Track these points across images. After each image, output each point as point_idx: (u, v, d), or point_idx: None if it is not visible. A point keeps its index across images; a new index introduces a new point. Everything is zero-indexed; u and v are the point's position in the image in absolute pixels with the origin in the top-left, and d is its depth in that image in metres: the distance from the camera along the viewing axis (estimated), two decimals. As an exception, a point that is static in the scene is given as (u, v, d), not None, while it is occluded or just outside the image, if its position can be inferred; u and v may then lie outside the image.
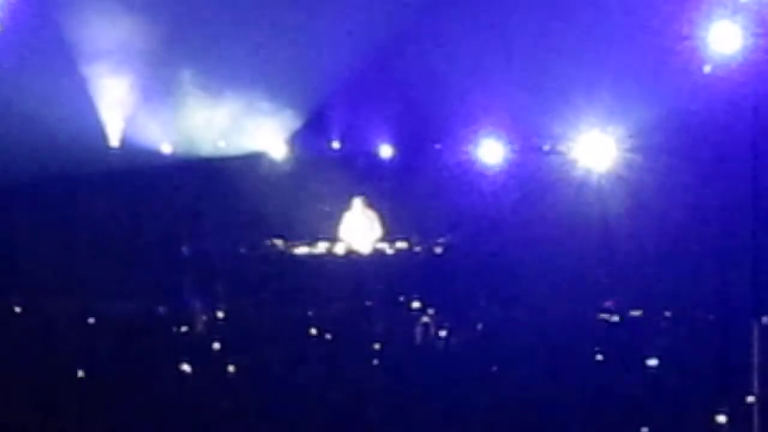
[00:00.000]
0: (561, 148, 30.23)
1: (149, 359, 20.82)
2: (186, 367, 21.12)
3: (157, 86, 30.09)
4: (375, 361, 21.38)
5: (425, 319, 24.59)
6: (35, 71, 29.24)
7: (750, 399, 15.21)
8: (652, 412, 17.43)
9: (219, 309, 25.74)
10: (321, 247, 30.14)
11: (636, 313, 24.33)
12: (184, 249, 29.66)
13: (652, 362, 20.87)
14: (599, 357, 21.39)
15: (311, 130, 31.41)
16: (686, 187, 26.40)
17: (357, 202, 29.61)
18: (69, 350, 20.83)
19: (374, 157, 31.90)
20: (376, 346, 21.93)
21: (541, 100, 29.11)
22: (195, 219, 30.61)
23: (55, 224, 28.58)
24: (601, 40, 27.95)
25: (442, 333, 23.67)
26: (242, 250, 30.07)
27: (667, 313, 23.80)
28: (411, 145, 31.65)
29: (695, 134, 27.58)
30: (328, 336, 23.15)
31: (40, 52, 29.51)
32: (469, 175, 30.33)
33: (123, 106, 30.53)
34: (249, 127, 31.30)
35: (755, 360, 14.75)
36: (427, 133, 31.12)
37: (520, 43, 28.64)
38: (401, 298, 26.56)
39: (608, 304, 25.33)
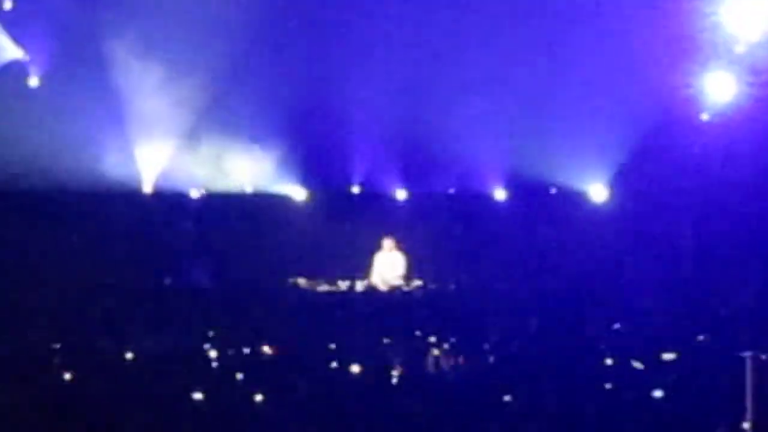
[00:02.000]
0: (565, 190, 30.77)
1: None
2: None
3: (187, 133, 30.45)
4: (393, 381, 22.00)
5: (436, 351, 25.30)
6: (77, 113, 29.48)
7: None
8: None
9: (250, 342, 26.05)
10: (353, 283, 30.61)
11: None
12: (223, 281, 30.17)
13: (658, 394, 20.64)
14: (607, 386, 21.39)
15: (333, 175, 31.71)
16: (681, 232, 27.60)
17: (387, 242, 30.45)
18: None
19: (391, 200, 32.25)
20: (391, 376, 22.50)
21: (549, 146, 29.96)
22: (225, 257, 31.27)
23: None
24: (600, 87, 28.46)
25: (452, 363, 24.42)
26: (274, 286, 30.25)
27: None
28: (424, 190, 31.92)
29: (691, 178, 28.20)
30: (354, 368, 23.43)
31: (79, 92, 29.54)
32: (477, 217, 31.32)
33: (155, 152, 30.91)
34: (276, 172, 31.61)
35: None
36: (439, 178, 31.39)
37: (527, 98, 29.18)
38: (417, 332, 27.06)
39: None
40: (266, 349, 25.52)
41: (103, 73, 29.20)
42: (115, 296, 27.99)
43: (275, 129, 30.64)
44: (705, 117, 27.97)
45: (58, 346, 24.86)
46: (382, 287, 30.54)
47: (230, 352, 25.47)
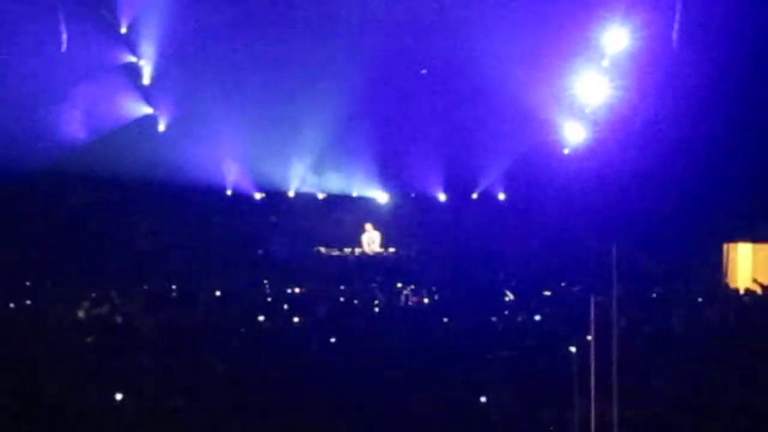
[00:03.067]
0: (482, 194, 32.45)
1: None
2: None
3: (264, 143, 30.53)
4: (376, 310, 23.94)
5: (406, 292, 26.89)
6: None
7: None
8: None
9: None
10: (348, 250, 32.04)
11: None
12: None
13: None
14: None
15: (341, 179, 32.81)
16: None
17: (368, 225, 31.98)
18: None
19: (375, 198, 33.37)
20: (375, 306, 24.46)
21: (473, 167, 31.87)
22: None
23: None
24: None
25: (415, 299, 26.06)
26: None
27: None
28: (405, 194, 33.29)
29: (556, 187, 29.81)
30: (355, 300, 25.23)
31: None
32: (426, 210, 32.73)
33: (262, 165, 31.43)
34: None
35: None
36: (402, 187, 32.99)
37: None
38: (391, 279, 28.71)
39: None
40: (297, 289, 26.76)
41: (214, 120, 29.91)
42: (229, 260, 29.35)
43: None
44: (566, 151, 30.02)
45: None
46: (368, 252, 31.86)
47: (279, 290, 26.65)
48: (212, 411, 13.13)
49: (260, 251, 31.09)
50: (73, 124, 29.12)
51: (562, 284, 23.98)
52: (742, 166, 23.88)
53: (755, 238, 28.39)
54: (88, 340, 18.48)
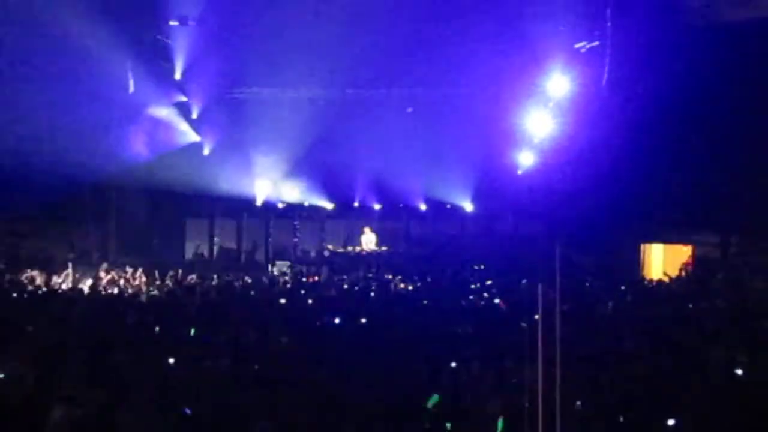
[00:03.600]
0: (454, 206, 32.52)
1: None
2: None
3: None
4: (372, 294, 23.46)
5: (394, 280, 26.51)
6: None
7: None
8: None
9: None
10: (351, 248, 32.53)
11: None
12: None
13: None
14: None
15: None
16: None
17: (366, 229, 32.44)
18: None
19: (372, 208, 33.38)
20: (372, 291, 23.93)
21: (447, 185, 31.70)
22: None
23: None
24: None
25: (402, 286, 25.78)
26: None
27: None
28: (395, 205, 33.11)
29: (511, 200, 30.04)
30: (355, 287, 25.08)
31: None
32: (412, 217, 33.02)
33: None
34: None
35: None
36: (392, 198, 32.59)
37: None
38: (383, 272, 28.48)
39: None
40: (311, 278, 26.60)
41: (246, 146, 30.08)
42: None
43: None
44: (519, 172, 29.80)
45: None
46: (366, 250, 32.07)
47: (296, 279, 26.75)
48: (249, 364, 13.40)
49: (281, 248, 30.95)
50: (138, 146, 29.03)
51: (516, 276, 23.79)
52: (656, 185, 23.98)
53: (665, 240, 29.02)
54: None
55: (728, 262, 24.51)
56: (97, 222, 28.88)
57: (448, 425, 10.33)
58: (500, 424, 10.02)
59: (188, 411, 10.04)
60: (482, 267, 28.41)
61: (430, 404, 9.91)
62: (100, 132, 26.99)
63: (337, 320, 18.96)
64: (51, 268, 25.10)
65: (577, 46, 26.11)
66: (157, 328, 16.81)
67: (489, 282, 24.46)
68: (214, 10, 25.42)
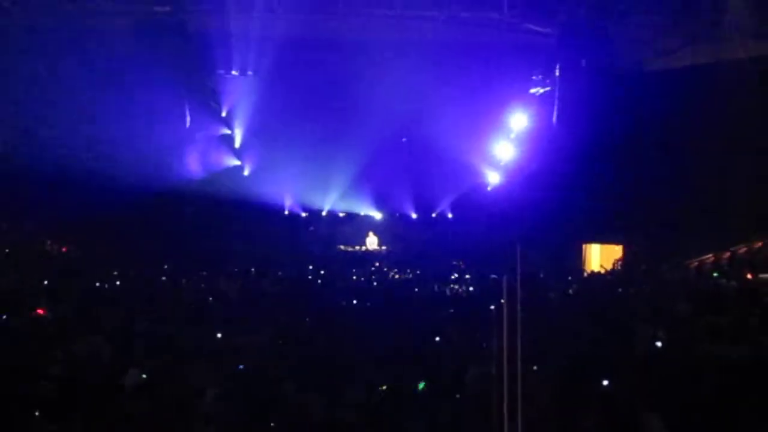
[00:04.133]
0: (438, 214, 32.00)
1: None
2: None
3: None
4: (374, 283, 23.61)
5: (391, 273, 26.87)
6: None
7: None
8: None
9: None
10: (358, 247, 32.08)
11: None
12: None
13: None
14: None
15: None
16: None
17: (370, 232, 32.08)
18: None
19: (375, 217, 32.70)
20: (374, 281, 24.05)
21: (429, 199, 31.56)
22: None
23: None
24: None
25: (398, 277, 25.98)
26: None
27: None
28: (392, 215, 32.61)
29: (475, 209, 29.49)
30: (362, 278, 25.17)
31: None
32: (404, 224, 32.20)
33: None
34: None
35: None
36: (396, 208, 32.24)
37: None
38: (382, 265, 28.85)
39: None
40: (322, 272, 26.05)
41: (277, 168, 29.76)
42: (285, 254, 28.35)
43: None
44: (489, 188, 29.92)
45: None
46: (370, 249, 31.82)
47: (315, 272, 26.19)
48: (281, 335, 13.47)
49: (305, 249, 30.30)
50: (192, 167, 29.12)
51: (486, 269, 23.66)
52: (594, 198, 24.04)
53: (602, 241, 28.94)
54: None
55: (648, 257, 24.44)
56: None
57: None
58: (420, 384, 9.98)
59: (241, 367, 10.30)
60: (460, 263, 28.21)
61: (419, 387, 9.75)
62: (166, 154, 27.22)
63: (347, 302, 19.03)
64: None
65: (532, 91, 26.62)
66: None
67: (466, 275, 24.56)
68: (252, 65, 25.63)
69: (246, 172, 30.61)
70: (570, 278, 23.62)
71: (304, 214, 31.66)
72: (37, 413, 7.80)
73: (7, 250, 23.35)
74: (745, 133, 21.34)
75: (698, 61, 24.05)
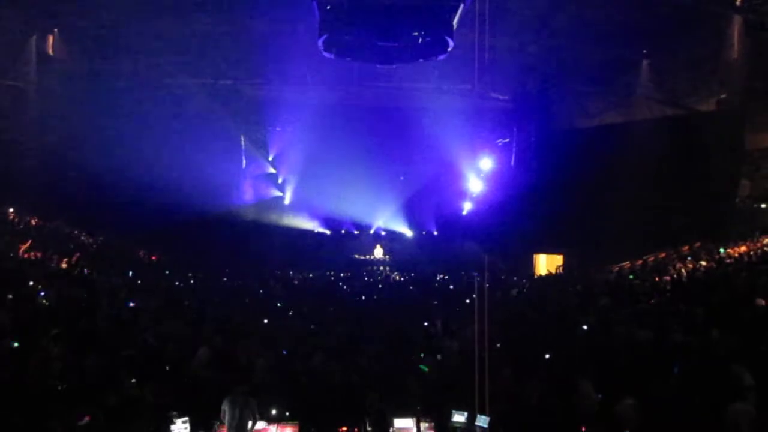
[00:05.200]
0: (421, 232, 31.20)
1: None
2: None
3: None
4: (380, 284, 22.94)
5: (387, 271, 27.04)
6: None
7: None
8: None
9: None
10: (368, 256, 31.44)
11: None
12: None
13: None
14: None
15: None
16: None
17: (378, 245, 31.48)
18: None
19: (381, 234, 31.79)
20: (380, 282, 23.34)
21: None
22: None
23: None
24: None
25: (398, 278, 25.53)
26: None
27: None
28: (393, 232, 31.44)
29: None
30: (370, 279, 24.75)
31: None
32: (397, 239, 31.39)
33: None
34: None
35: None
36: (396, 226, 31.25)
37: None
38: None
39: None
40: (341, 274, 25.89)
41: (312, 199, 29.24)
42: (314, 262, 27.49)
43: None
44: (464, 212, 28.68)
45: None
46: (377, 258, 31.10)
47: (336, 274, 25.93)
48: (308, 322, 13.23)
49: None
50: (246, 196, 29.03)
51: (463, 272, 23.39)
52: (542, 220, 23.60)
53: (547, 252, 28.64)
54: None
55: (581, 264, 24.32)
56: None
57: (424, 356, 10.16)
58: (424, 367, 9.69)
59: (285, 352, 10.07)
60: (445, 272, 27.65)
61: (424, 369, 9.58)
62: (227, 186, 27.33)
63: (360, 296, 19.07)
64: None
65: (497, 141, 26.61)
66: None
67: (447, 276, 24.05)
68: (291, 122, 25.94)
69: (286, 201, 30.37)
70: (524, 280, 23.38)
71: (328, 232, 31.17)
72: (133, 379, 7.76)
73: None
74: (651, 173, 21.30)
75: (616, 121, 24.45)
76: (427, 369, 9.47)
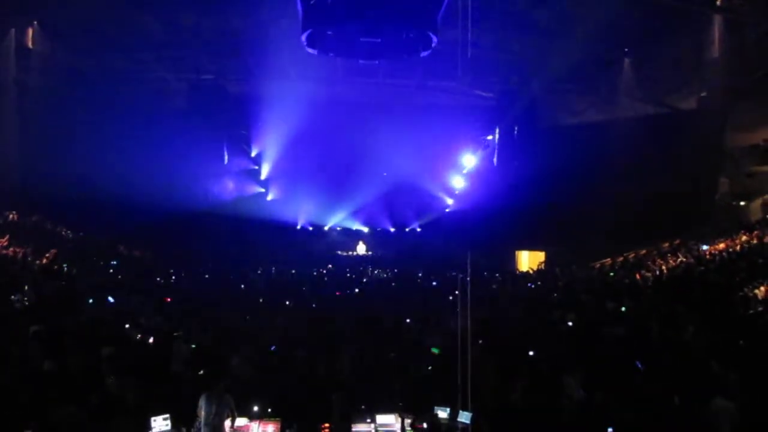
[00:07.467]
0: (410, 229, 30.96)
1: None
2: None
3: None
4: (363, 279, 22.61)
5: (376, 271, 25.99)
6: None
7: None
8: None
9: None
10: (351, 252, 30.77)
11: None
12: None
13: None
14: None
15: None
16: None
17: (360, 241, 31.05)
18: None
19: (363, 230, 31.23)
20: (364, 279, 22.97)
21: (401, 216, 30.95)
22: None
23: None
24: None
25: (384, 275, 25.00)
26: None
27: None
28: (375, 229, 31.21)
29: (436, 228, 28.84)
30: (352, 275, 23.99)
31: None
32: (383, 236, 31.09)
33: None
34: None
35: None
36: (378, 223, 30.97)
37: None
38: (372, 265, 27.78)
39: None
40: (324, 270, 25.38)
41: (293, 195, 28.98)
42: (296, 257, 26.73)
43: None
44: (447, 209, 29.33)
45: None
46: (360, 254, 30.57)
47: (320, 269, 25.13)
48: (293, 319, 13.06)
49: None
50: (227, 192, 28.73)
51: (446, 269, 22.81)
52: (523, 218, 24.02)
53: (529, 249, 28.92)
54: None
55: (562, 261, 24.47)
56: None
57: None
58: (436, 349, 9.94)
59: (273, 348, 10.04)
60: (427, 268, 27.64)
61: (436, 351, 9.73)
62: (208, 183, 27.26)
63: (343, 291, 18.90)
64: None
65: (480, 138, 26.70)
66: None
67: (430, 273, 23.99)
68: (273, 118, 25.23)
69: (269, 197, 30.11)
70: (506, 276, 23.39)
71: (311, 228, 30.91)
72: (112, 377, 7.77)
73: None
74: (633, 170, 21.46)
75: (598, 119, 24.49)
76: (438, 351, 9.53)
